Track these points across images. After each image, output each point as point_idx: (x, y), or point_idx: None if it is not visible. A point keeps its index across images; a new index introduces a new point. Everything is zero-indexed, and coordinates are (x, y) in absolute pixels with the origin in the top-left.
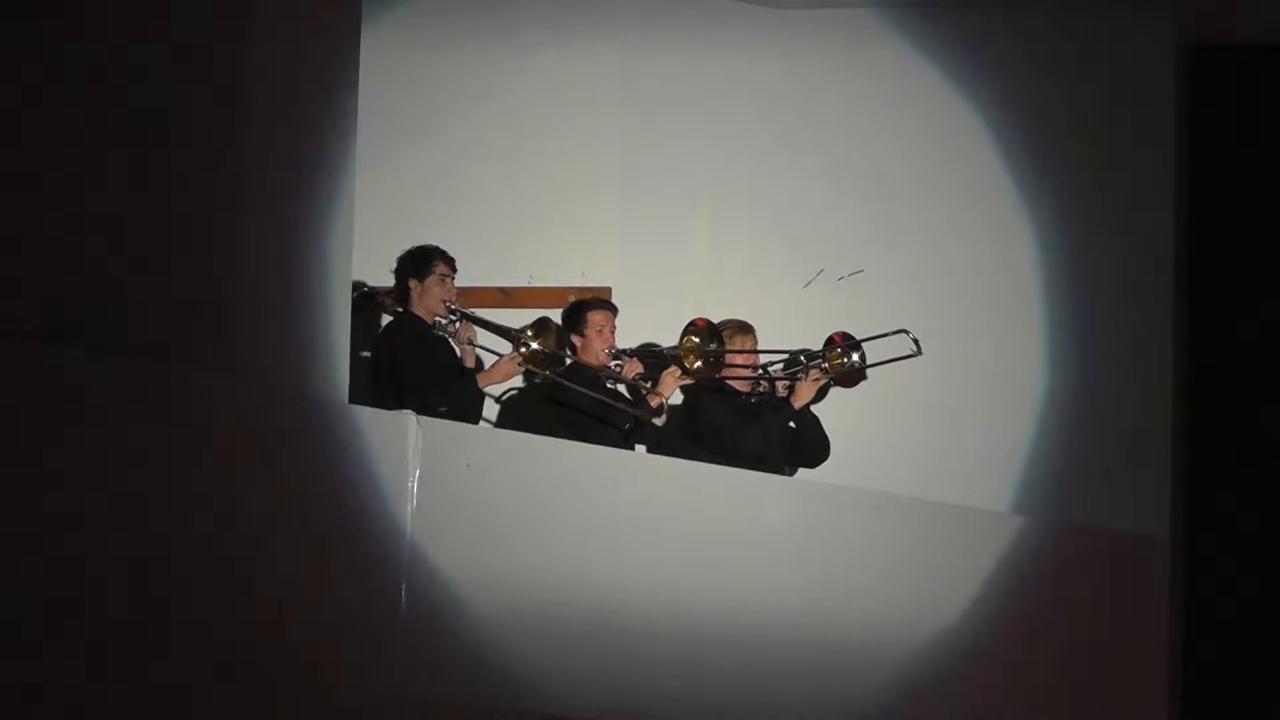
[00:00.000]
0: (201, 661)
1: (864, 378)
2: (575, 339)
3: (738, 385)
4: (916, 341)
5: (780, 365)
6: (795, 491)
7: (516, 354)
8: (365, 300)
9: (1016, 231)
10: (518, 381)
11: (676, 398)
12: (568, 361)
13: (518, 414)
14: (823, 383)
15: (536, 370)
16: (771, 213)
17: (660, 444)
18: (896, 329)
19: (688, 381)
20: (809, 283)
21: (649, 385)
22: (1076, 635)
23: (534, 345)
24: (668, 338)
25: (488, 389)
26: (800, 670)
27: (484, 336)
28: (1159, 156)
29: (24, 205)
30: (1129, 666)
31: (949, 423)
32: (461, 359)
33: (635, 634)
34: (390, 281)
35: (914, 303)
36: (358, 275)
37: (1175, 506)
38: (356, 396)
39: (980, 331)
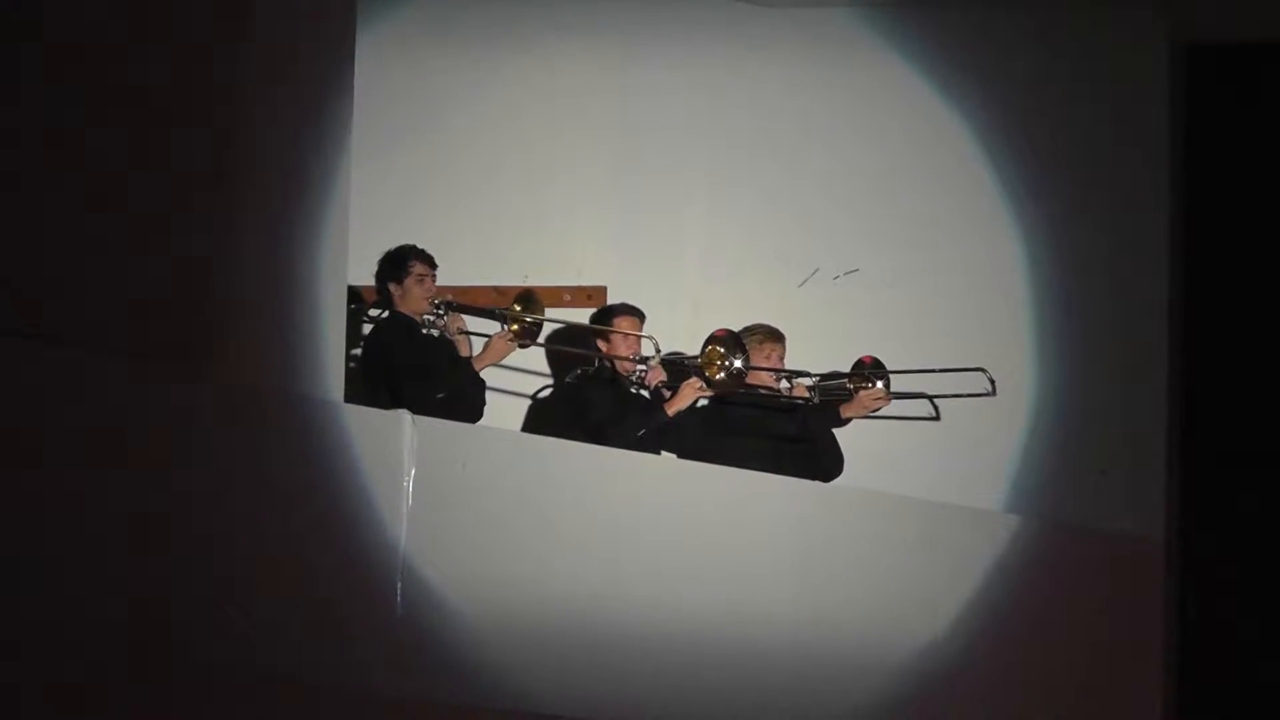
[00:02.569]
0: (196, 661)
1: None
2: (601, 344)
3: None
4: (993, 381)
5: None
6: (790, 492)
7: (506, 331)
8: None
9: (1010, 231)
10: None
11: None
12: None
13: (549, 419)
14: (706, 392)
15: (530, 343)
16: (767, 211)
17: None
18: (975, 366)
19: (708, 393)
20: (804, 282)
21: (669, 394)
22: (1071, 635)
23: (528, 320)
24: (663, 336)
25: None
26: (794, 670)
27: (477, 324)
28: (1152, 155)
29: (22, 205)
30: (1124, 667)
31: (943, 422)
32: (456, 350)
33: (630, 635)
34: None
35: (906, 303)
36: (353, 275)
37: (1170, 506)
38: (352, 397)
39: (973, 330)
